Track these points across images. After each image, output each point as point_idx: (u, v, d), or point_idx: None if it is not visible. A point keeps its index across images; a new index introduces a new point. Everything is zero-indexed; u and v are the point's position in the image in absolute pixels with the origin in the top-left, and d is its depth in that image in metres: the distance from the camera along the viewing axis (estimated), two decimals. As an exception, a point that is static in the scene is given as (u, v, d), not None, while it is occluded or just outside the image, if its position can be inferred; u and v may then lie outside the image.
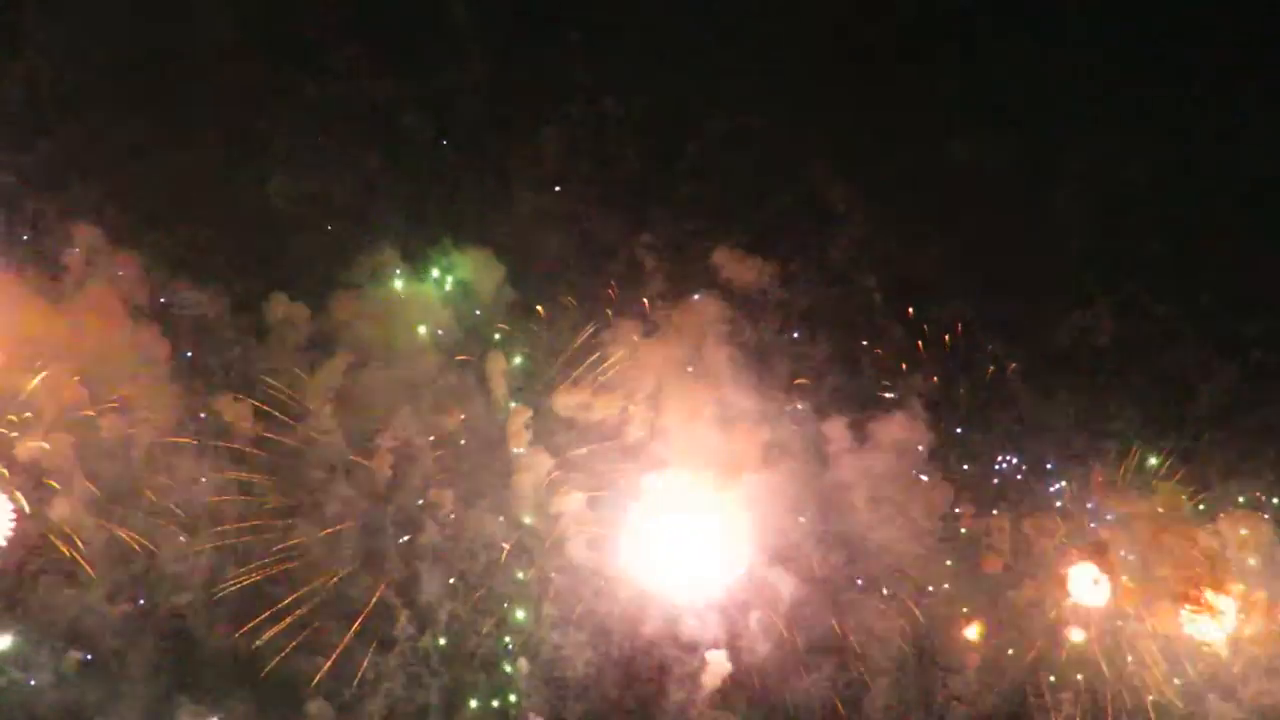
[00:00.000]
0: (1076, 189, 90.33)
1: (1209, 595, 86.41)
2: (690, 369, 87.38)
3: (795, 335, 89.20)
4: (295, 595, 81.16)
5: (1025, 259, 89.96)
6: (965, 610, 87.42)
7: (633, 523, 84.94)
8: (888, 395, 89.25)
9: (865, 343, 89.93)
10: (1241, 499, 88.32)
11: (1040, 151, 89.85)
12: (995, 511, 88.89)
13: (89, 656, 79.05)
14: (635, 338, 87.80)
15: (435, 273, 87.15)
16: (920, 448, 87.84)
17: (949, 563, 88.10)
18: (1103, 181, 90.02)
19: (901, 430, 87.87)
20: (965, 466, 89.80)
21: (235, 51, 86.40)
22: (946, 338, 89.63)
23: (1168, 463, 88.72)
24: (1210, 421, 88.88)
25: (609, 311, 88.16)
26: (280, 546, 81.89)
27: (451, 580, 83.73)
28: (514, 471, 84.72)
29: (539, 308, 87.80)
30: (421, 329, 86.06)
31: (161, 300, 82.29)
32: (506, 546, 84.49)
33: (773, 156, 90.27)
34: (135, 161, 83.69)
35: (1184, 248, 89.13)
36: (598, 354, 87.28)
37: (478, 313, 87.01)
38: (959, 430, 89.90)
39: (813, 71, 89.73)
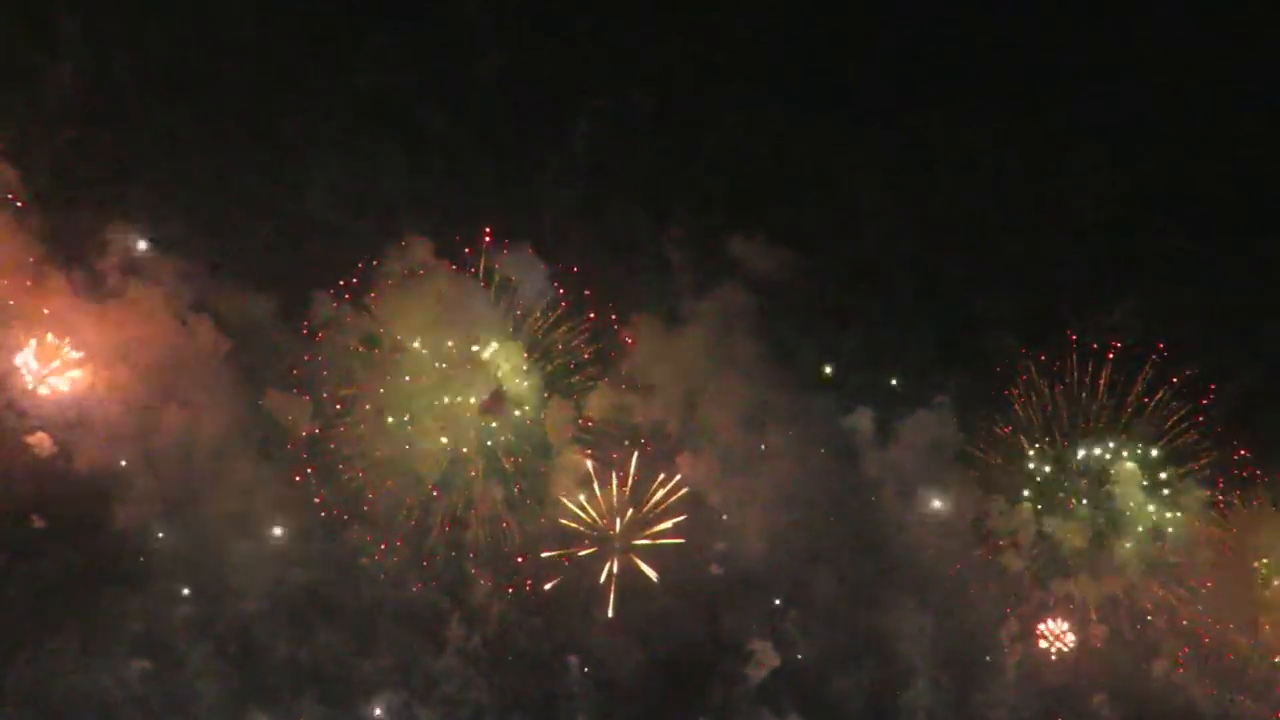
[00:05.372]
0: (1096, 189, 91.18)
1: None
2: (719, 363, 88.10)
3: (821, 328, 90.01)
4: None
5: (1044, 257, 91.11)
6: (997, 610, 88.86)
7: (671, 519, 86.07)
8: (913, 391, 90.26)
9: (891, 337, 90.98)
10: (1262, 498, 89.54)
11: (1060, 150, 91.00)
12: (1020, 510, 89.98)
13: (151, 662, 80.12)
14: (663, 331, 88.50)
15: (474, 271, 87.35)
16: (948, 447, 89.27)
17: (976, 560, 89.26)
18: (1121, 182, 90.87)
19: (929, 427, 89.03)
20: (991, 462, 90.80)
21: (268, 52, 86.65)
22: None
23: (1191, 463, 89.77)
24: (1228, 420, 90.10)
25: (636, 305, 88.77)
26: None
27: (499, 581, 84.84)
28: (554, 470, 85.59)
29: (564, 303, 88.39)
30: (460, 327, 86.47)
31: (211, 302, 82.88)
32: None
33: (795, 151, 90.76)
34: (180, 166, 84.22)
35: (1201, 248, 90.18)
36: (627, 349, 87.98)
37: (517, 311, 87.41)
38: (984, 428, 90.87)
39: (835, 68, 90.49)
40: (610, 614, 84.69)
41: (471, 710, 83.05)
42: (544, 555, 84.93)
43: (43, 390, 79.35)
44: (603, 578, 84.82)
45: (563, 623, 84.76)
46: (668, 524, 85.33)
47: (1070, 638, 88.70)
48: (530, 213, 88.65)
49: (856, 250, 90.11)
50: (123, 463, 79.53)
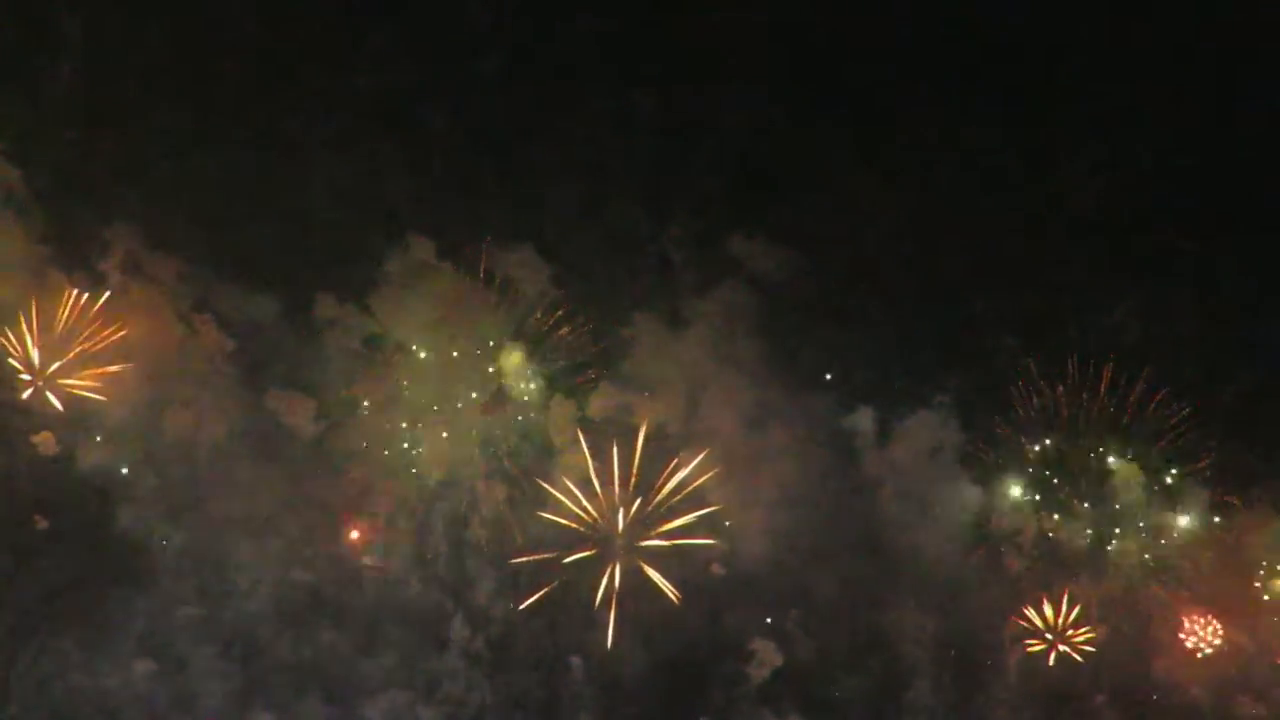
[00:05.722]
0: (1096, 189, 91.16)
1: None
2: (720, 362, 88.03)
3: (821, 328, 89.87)
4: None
5: (1044, 257, 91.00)
6: (999, 611, 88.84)
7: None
8: (914, 390, 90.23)
9: (891, 337, 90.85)
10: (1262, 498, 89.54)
11: (1059, 150, 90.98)
12: (1020, 510, 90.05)
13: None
14: (665, 331, 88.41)
15: (477, 271, 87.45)
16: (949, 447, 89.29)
17: (979, 562, 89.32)
18: (1121, 182, 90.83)
19: (930, 427, 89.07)
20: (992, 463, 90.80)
21: (268, 52, 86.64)
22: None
23: (1190, 463, 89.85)
24: (1228, 420, 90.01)
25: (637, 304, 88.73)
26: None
27: (502, 581, 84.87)
28: (557, 469, 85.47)
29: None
30: (461, 328, 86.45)
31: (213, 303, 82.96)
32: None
33: (795, 151, 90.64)
34: (180, 166, 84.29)
35: (1202, 247, 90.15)
36: (629, 349, 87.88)
37: (519, 310, 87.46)
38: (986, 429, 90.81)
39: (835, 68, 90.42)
40: (611, 633, 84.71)
41: (474, 710, 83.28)
42: (522, 560, 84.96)
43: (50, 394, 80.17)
44: (601, 591, 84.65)
45: (565, 624, 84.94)
46: (679, 521, 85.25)
47: (1085, 635, 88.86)
48: (530, 213, 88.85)
49: (856, 250, 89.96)
50: (126, 463, 79.88)
